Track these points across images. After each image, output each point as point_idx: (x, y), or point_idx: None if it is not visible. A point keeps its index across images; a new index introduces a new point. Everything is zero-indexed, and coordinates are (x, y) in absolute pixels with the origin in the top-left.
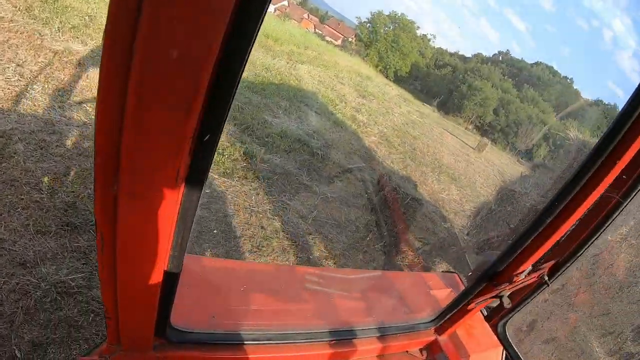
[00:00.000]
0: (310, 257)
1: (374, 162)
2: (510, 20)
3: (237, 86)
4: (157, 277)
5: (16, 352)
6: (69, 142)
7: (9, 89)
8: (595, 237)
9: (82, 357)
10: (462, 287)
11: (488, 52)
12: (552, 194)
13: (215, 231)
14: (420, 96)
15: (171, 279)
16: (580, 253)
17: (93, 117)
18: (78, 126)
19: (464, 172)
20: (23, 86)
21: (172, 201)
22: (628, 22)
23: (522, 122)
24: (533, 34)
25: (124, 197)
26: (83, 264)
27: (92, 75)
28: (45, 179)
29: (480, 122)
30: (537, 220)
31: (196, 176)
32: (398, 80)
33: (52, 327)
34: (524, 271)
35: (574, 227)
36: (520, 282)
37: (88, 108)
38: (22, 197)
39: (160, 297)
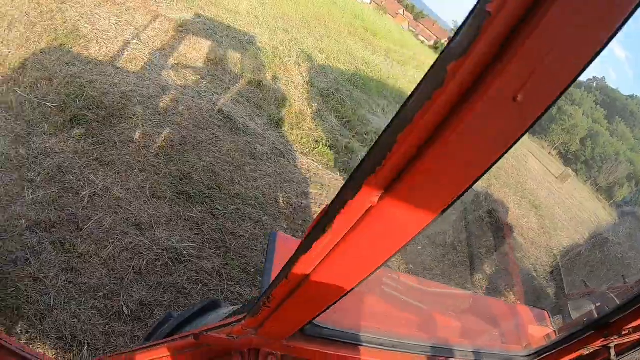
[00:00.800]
0: (397, 262)
1: None
2: (610, 45)
3: None
4: (350, 285)
5: (124, 308)
6: (185, 112)
7: (127, 50)
8: None
9: (210, 333)
10: (551, 325)
11: (582, 76)
12: None
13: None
14: None
15: (355, 287)
16: None
17: (205, 88)
18: (193, 97)
19: (545, 201)
20: (141, 49)
21: (425, 221)
22: None
23: (609, 158)
24: (633, 63)
25: (382, 210)
26: (195, 234)
27: (204, 48)
28: (163, 144)
29: (564, 150)
30: None
31: None
32: None
33: (161, 290)
34: (634, 327)
35: None
36: (629, 336)
37: (202, 80)
38: (140, 159)
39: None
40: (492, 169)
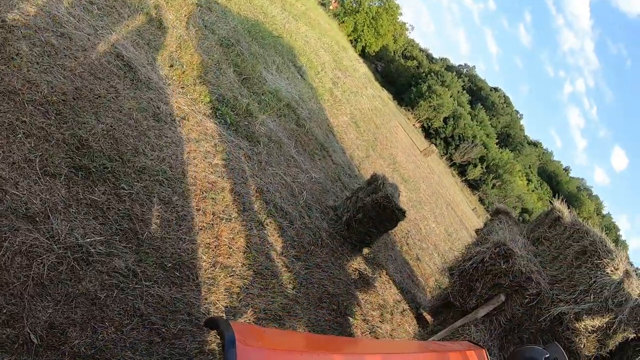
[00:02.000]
0: (305, 246)
1: (345, 144)
2: (485, 40)
3: None
4: None
5: (31, 336)
6: (79, 54)
7: None
8: None
9: None
10: None
11: (455, 62)
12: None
13: (224, 195)
14: (380, 79)
15: None
16: None
17: (102, 23)
18: (88, 35)
19: (412, 174)
20: None
21: None
22: (590, 86)
23: (466, 139)
24: (503, 59)
25: None
26: (101, 224)
27: None
28: (53, 98)
29: (427, 124)
30: None
31: None
32: (363, 56)
33: (71, 304)
34: None
35: None
36: None
37: (98, 12)
38: (25, 119)
39: None
40: (371, 139)
